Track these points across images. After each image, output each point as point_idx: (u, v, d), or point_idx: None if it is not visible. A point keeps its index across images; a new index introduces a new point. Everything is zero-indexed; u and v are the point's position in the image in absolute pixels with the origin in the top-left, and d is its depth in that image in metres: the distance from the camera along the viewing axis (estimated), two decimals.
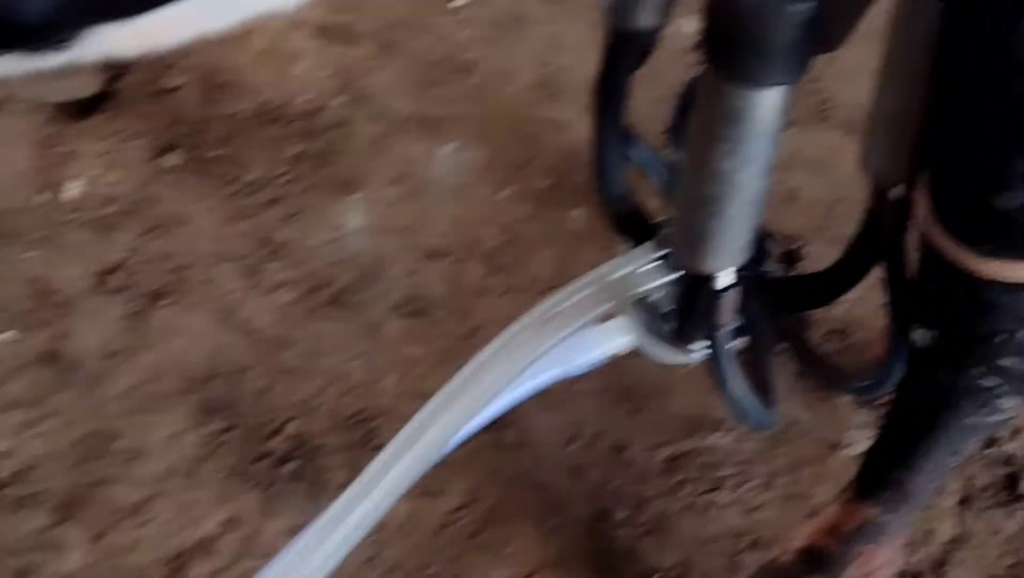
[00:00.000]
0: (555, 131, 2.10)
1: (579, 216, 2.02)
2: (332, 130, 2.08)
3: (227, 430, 1.70)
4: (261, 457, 1.68)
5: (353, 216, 1.98)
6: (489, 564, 1.60)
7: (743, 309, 1.11)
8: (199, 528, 1.61)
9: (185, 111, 2.08)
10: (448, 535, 1.62)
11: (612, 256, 1.24)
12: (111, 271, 1.85)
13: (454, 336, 1.83)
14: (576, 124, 2.11)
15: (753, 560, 1.54)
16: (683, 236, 0.99)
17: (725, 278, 1.00)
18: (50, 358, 1.74)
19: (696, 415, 1.73)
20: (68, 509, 1.60)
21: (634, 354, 1.34)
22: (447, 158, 2.08)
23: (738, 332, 1.14)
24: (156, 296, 1.83)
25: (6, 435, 1.65)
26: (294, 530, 1.58)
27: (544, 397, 1.39)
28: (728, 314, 1.06)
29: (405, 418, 1.70)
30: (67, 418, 1.68)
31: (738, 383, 1.08)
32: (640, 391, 1.76)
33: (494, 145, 2.10)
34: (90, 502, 1.61)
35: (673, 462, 1.69)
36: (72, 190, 1.95)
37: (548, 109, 2.13)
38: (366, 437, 1.72)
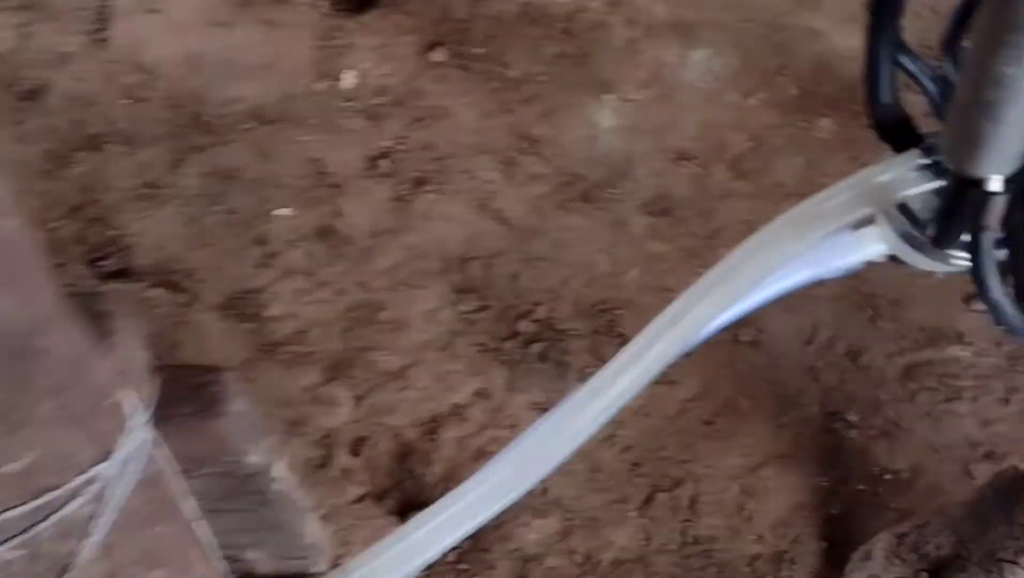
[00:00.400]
0: (810, 40, 2.10)
1: (827, 126, 2.03)
2: (590, 32, 2.15)
3: (480, 309, 1.82)
4: (510, 337, 1.80)
5: (606, 116, 2.06)
6: (721, 451, 1.67)
7: (1006, 221, 1.12)
8: (452, 396, 1.74)
9: (452, 10, 2.19)
10: (683, 422, 1.71)
11: (859, 167, 1.27)
12: (380, 157, 1.99)
13: (697, 236, 1.90)
14: (831, 34, 2.11)
15: (986, 470, 1.56)
16: (957, 140, 1.02)
17: (995, 184, 1.03)
18: (324, 233, 1.90)
19: (937, 327, 1.75)
20: (337, 370, 1.76)
21: (878, 262, 1.37)
22: (699, 63, 2.13)
23: (998, 244, 1.16)
24: (420, 182, 1.96)
25: (285, 300, 1.82)
26: (537, 405, 1.71)
27: (783, 298, 1.45)
28: (994, 220, 1.08)
29: (646, 310, 1.79)
30: (338, 288, 1.83)
31: (998, 287, 1.11)
32: (880, 299, 1.78)
33: (746, 52, 2.13)
34: (356, 365, 1.76)
35: (910, 371, 1.72)
36: (347, 80, 2.09)
37: (804, 18, 2.14)
38: (608, 325, 1.81)
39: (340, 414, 1.72)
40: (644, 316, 1.60)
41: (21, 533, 0.82)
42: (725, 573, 1.56)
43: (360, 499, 1.63)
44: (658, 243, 1.90)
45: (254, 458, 0.98)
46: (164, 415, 0.87)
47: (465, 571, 1.59)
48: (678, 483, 1.65)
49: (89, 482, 0.83)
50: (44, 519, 0.82)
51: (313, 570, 1.10)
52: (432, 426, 1.72)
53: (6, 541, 0.82)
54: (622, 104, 2.07)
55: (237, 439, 0.97)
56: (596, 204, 1.95)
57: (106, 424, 0.82)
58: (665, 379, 1.70)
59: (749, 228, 1.32)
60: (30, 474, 0.78)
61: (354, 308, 1.81)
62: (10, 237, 0.64)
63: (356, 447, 1.68)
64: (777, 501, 1.62)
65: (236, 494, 0.99)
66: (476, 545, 1.59)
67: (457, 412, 1.73)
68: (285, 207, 1.92)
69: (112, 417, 0.82)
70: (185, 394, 0.93)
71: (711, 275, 1.32)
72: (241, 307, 1.80)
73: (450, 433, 1.71)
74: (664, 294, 1.80)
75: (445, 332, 1.80)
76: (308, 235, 1.89)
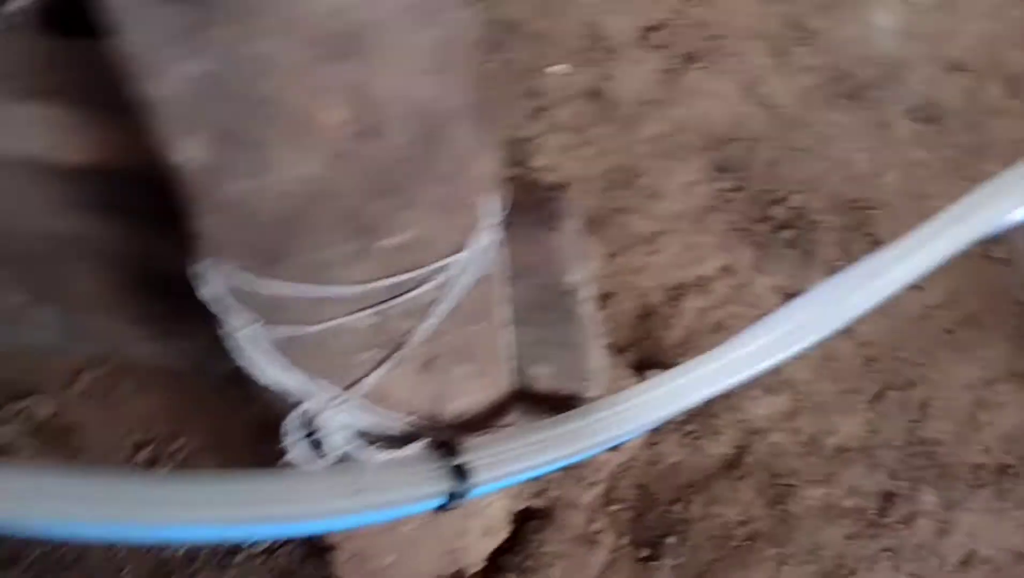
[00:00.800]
0: None
1: None
2: None
3: (736, 189, 1.87)
4: (762, 220, 1.84)
5: (884, 16, 2.05)
6: (957, 361, 1.69)
7: None
8: (698, 268, 1.81)
9: None
10: (924, 326, 1.73)
11: None
12: (655, 28, 2.04)
13: (962, 148, 1.89)
14: None
15: None
16: None
17: None
18: (594, 95, 1.96)
19: None
20: (592, 225, 1.83)
21: None
22: None
23: None
24: (690, 58, 2.00)
25: (551, 153, 1.90)
26: (780, 289, 1.76)
27: None
28: None
29: (901, 213, 1.81)
30: (602, 149, 1.90)
31: None
32: None
33: None
34: (610, 224, 1.84)
35: None
36: None
37: None
38: (860, 223, 1.83)
39: (590, 268, 1.79)
40: (898, 219, 1.64)
41: (380, 303, 0.93)
42: (946, 475, 1.60)
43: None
44: (921, 150, 1.90)
45: (573, 276, 1.07)
46: (507, 222, 0.96)
47: (692, 433, 1.66)
48: (911, 384, 1.68)
49: (441, 270, 0.92)
50: (400, 295, 0.93)
51: (586, 395, 1.19)
52: (676, 293, 1.78)
53: (368, 308, 0.93)
54: (902, 6, 2.06)
55: (564, 256, 1.06)
56: (863, 103, 1.96)
57: (467, 219, 0.91)
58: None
59: (1019, 149, 1.33)
60: (401, 252, 0.88)
61: (614, 170, 1.88)
62: (459, 29, 0.73)
63: (603, 300, 1.76)
64: (1009, 417, 1.64)
65: (544, 308, 1.08)
66: (705, 410, 1.66)
67: (701, 283, 1.79)
68: (559, 64, 1.98)
69: (472, 214, 0.91)
70: (528, 205, 1.02)
71: (1003, 178, 1.32)
72: (509, 153, 1.89)
73: (692, 302, 1.77)
74: (921, 201, 1.81)
75: (699, 206, 1.86)
76: (578, 94, 1.96)
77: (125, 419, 1.63)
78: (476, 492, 1.07)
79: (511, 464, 1.08)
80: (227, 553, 1.54)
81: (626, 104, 1.95)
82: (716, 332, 1.75)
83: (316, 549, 1.52)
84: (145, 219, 1.09)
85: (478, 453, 1.06)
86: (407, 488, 1.03)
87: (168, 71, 0.67)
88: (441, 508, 1.07)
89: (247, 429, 1.57)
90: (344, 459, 1.08)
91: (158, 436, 1.61)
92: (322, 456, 1.06)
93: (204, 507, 0.95)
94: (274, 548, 1.55)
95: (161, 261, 1.15)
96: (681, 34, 2.03)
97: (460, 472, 1.04)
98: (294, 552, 1.55)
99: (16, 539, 1.56)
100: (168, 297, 1.21)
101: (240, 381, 1.30)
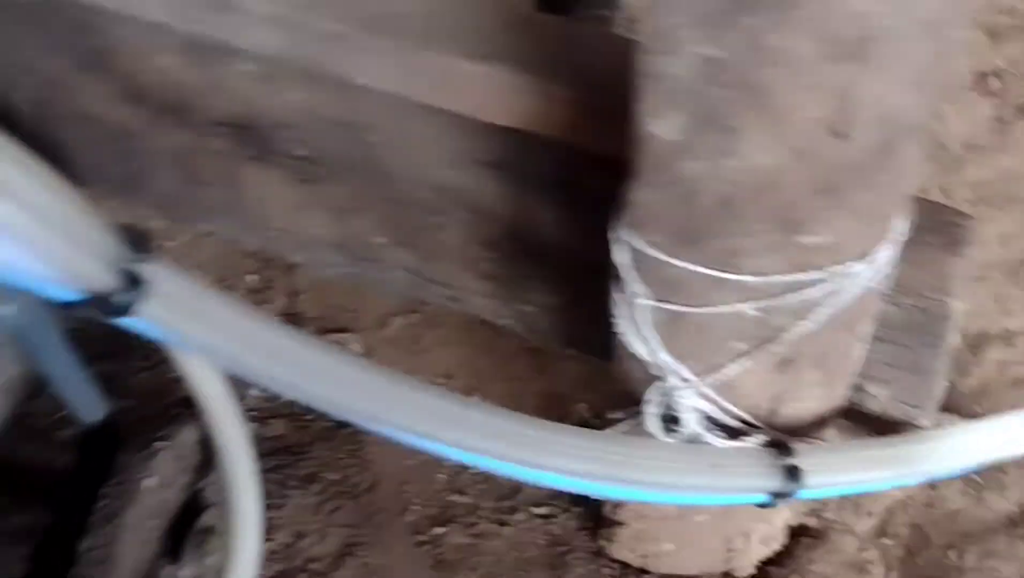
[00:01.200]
0: None
1: None
2: None
3: None
4: None
5: None
6: None
7: None
8: (1006, 320, 1.78)
9: None
10: None
11: None
12: (992, 75, 2.00)
13: None
14: None
15: None
16: None
17: None
18: None
19: None
20: None
21: None
22: None
23: None
24: None
25: None
26: None
27: None
28: None
29: None
30: (922, 188, 1.85)
31: None
32: None
33: None
34: None
35: None
36: None
37: None
38: None
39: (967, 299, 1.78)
40: None
41: (771, 297, 0.96)
42: None
43: None
44: None
45: (951, 305, 1.08)
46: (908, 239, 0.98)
47: (976, 483, 1.65)
48: None
49: (838, 275, 0.95)
50: (792, 292, 0.96)
51: (916, 422, 1.19)
52: (978, 341, 1.76)
53: (758, 300, 0.97)
54: None
55: (948, 282, 1.07)
56: None
57: (878, 231, 0.93)
58: None
59: None
60: (809, 251, 0.91)
61: None
62: (954, 47, 0.75)
63: None
64: None
65: (909, 330, 1.10)
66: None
67: (1007, 336, 1.76)
68: None
69: (884, 227, 0.94)
70: (930, 225, 1.04)
71: None
72: None
73: (994, 354, 1.75)
74: None
75: (1015, 259, 1.83)
76: None
77: (426, 368, 1.72)
78: (801, 495, 1.10)
79: (839, 475, 1.10)
80: (507, 510, 1.62)
81: (952, 146, 1.93)
82: (1016, 388, 1.73)
83: (592, 521, 1.58)
84: (532, 184, 1.16)
85: (810, 458, 1.09)
86: (745, 477, 1.07)
87: (683, 51, 0.73)
88: (764, 505, 1.11)
89: (540, 398, 1.65)
90: (688, 440, 1.12)
91: (455, 389, 1.69)
92: (672, 433, 1.11)
93: (560, 456, 0.99)
94: (552, 513, 1.61)
95: (531, 225, 1.22)
96: (1018, 85, 1.99)
97: (792, 473, 1.07)
98: (569, 521, 1.61)
99: (312, 459, 1.67)
100: (524, 260, 1.28)
101: (574, 349, 1.37)
